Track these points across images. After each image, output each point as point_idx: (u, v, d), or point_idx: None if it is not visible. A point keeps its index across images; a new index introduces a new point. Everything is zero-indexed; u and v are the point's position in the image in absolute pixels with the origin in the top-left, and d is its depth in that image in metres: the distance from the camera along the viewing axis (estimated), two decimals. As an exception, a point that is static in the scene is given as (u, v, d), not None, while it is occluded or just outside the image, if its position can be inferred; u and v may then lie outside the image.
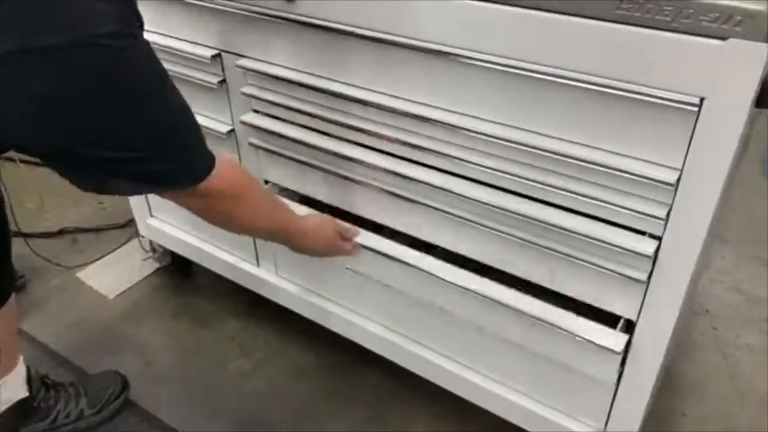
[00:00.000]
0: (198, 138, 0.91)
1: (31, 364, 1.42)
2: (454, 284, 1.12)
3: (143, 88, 0.81)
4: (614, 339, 1.00)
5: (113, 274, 1.88)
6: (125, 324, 1.73)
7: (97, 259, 1.92)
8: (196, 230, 1.63)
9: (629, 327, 1.03)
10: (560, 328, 1.03)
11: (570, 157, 0.91)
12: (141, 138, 0.82)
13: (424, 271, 1.15)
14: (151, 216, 1.72)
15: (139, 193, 1.07)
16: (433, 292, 1.17)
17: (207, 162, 0.90)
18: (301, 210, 1.25)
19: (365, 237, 1.22)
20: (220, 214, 0.98)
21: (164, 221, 1.70)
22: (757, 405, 1.49)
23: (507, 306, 1.07)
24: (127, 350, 1.65)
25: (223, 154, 0.93)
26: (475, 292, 1.10)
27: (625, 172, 0.87)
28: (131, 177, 0.84)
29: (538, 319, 1.05)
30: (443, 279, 1.13)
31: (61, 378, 1.48)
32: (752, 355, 1.63)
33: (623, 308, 1.01)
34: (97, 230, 2.05)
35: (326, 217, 1.21)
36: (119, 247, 1.97)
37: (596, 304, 1.03)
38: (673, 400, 1.49)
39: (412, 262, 1.16)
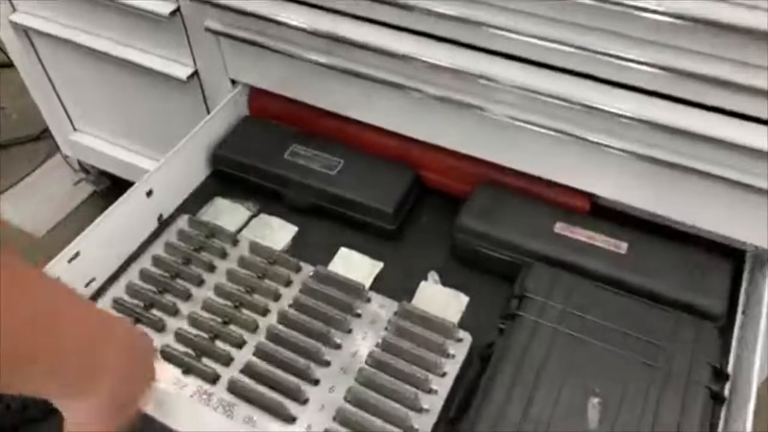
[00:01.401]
0: None
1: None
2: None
3: None
4: None
5: (36, 203, 1.48)
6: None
7: (14, 184, 1.51)
8: (137, 144, 1.25)
9: None
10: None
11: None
12: None
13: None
14: (75, 130, 1.31)
15: None
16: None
17: None
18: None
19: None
20: None
21: (94, 135, 1.30)
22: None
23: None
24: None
25: None
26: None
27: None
28: None
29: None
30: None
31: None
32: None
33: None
34: (4, 146, 1.61)
35: (138, 331, 0.67)
36: (38, 166, 1.56)
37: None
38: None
39: None
